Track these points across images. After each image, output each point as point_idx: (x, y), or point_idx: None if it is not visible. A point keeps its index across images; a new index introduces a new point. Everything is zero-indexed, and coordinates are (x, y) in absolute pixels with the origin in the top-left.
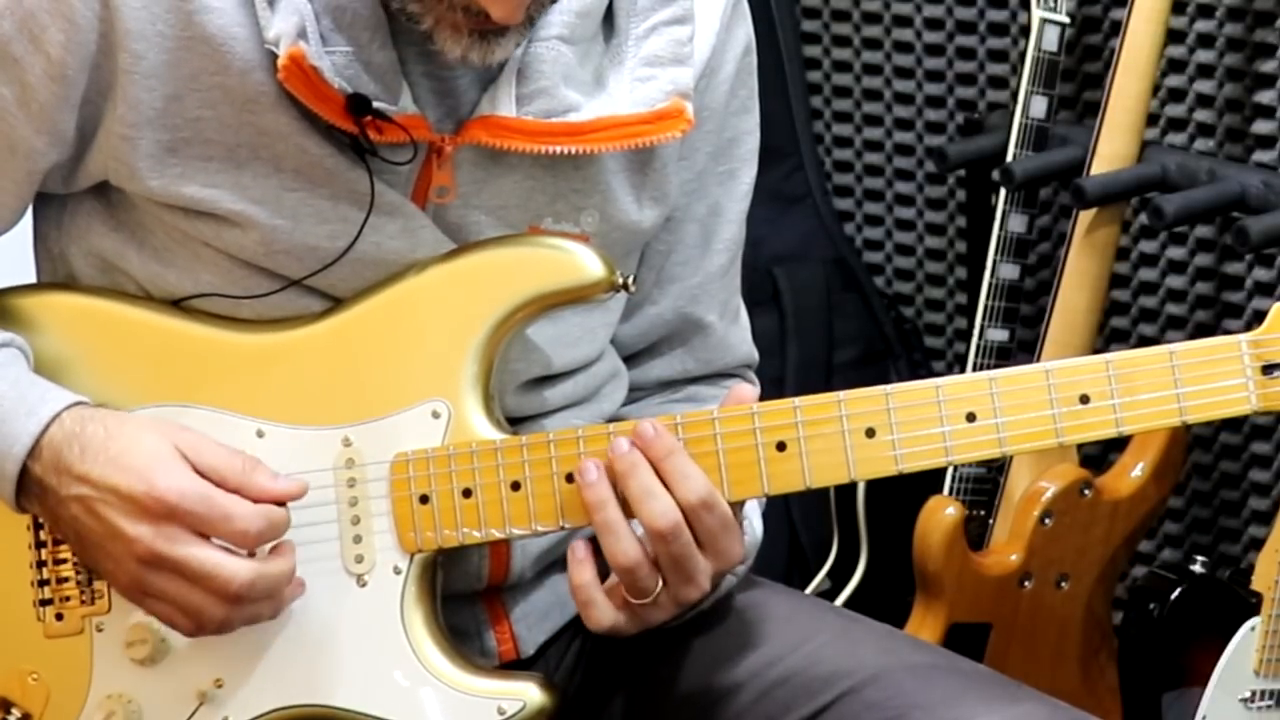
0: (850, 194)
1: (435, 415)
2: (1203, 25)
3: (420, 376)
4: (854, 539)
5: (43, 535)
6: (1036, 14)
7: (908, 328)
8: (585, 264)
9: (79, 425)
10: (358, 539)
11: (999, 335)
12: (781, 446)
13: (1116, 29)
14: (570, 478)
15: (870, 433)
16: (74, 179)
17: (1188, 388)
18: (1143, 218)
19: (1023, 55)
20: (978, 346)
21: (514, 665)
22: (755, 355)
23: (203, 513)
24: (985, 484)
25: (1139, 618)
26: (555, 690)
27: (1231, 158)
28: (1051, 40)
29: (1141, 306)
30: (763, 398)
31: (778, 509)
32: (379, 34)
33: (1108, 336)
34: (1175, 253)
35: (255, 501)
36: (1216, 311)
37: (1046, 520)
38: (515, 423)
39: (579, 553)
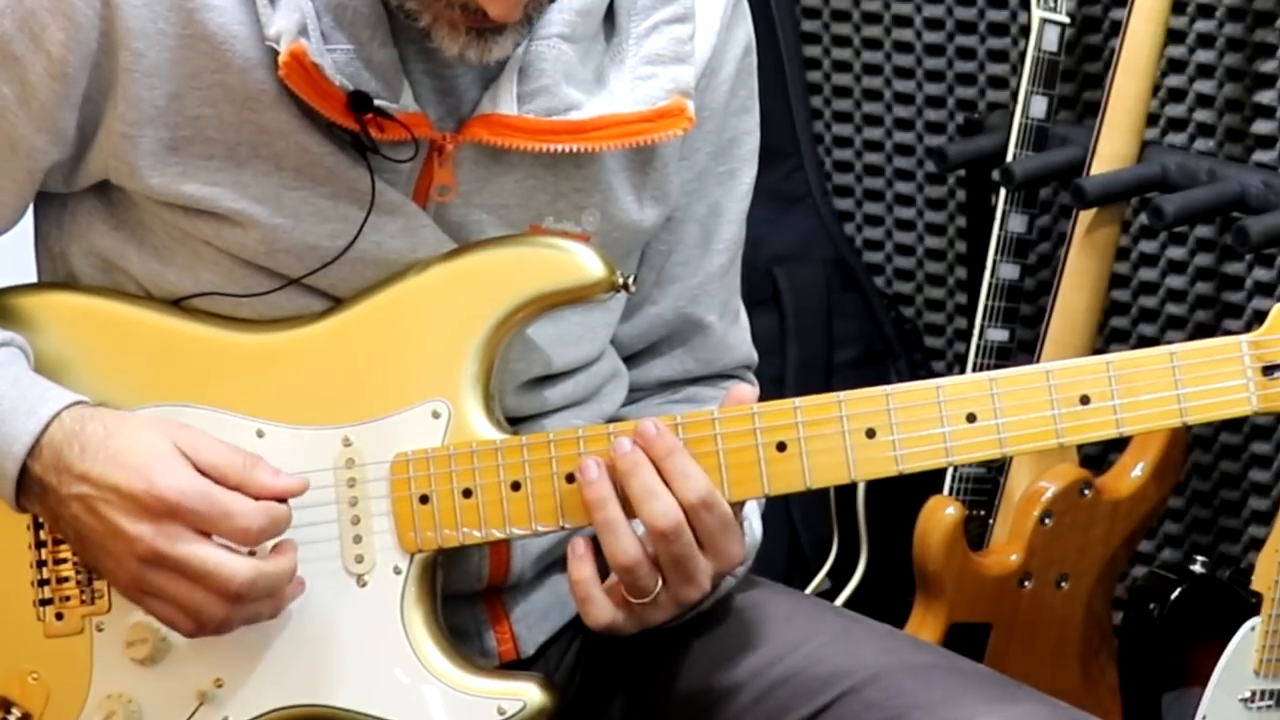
0: (850, 194)
1: (435, 415)
2: (1203, 25)
3: (420, 376)
4: (854, 539)
5: (43, 535)
6: (1036, 14)
7: (908, 328)
8: (586, 264)
9: (79, 424)
10: (358, 539)
11: (999, 335)
12: (782, 447)
13: (1116, 29)
14: (571, 478)
15: (871, 433)
16: (75, 178)
17: (1188, 388)
18: (1143, 218)
19: (1023, 55)
20: (978, 346)
21: (514, 665)
22: (755, 356)
23: (203, 511)
24: (985, 484)
25: (1139, 618)
26: (555, 690)
27: (1231, 158)
28: (1051, 40)
29: (1141, 306)
30: (763, 398)
31: (778, 509)
32: (380, 32)
33: (1108, 336)
34: (1175, 253)
35: (256, 498)
36: (1216, 311)
37: (1046, 520)
38: (515, 422)
39: (579, 549)
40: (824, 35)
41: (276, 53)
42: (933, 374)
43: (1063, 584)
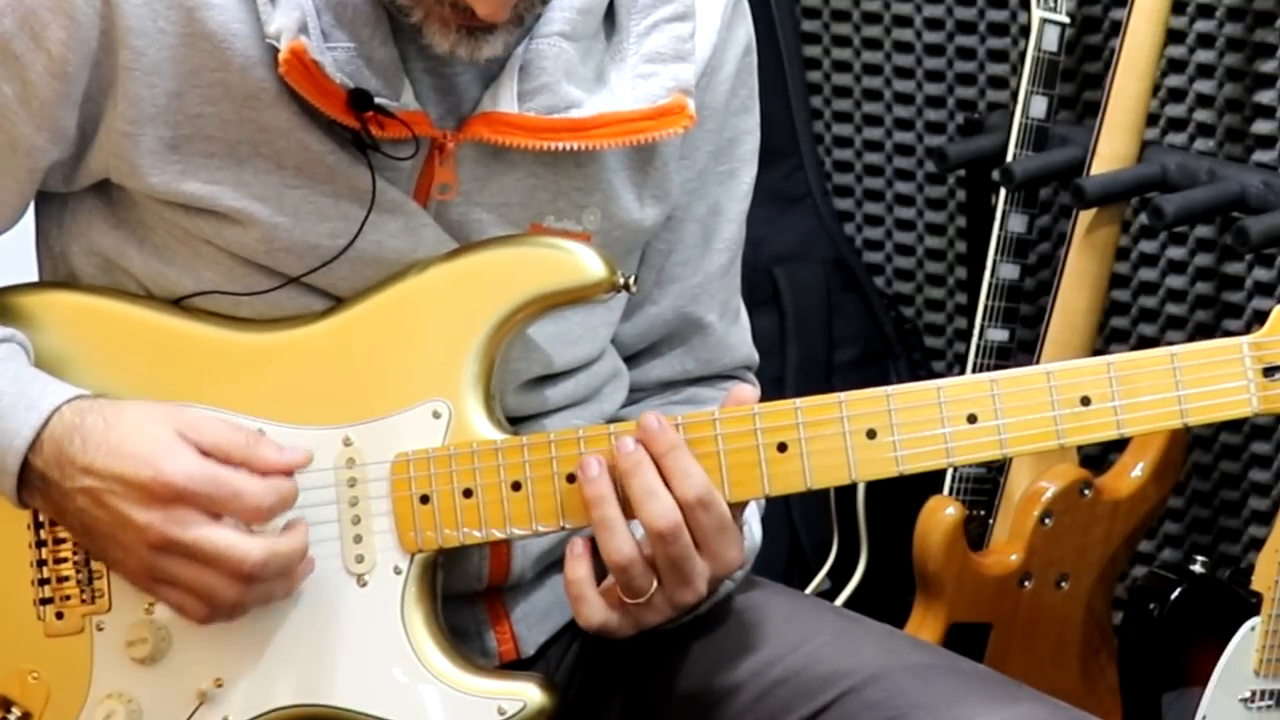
0: (850, 194)
1: (436, 415)
2: (1203, 25)
3: (421, 376)
4: (854, 539)
5: (43, 534)
6: (1036, 14)
7: (908, 328)
8: (587, 264)
9: (78, 417)
10: (358, 539)
11: (999, 335)
12: (782, 447)
13: (1116, 29)
14: (572, 478)
15: (871, 434)
16: (75, 177)
17: (1189, 390)
18: (1143, 218)
19: (1023, 55)
20: (978, 346)
21: (514, 665)
22: (755, 357)
23: (212, 493)
24: (985, 484)
25: (1139, 618)
26: (555, 690)
27: (1231, 158)
28: (1051, 40)
29: (1141, 306)
30: (763, 398)
31: (778, 509)
32: (380, 30)
33: (1108, 336)
34: (1175, 253)
35: (263, 475)
36: (1216, 311)
37: (1046, 520)
38: (516, 422)
39: (577, 548)
40: (824, 35)
41: (277, 51)
42: (933, 374)
43: (1063, 584)
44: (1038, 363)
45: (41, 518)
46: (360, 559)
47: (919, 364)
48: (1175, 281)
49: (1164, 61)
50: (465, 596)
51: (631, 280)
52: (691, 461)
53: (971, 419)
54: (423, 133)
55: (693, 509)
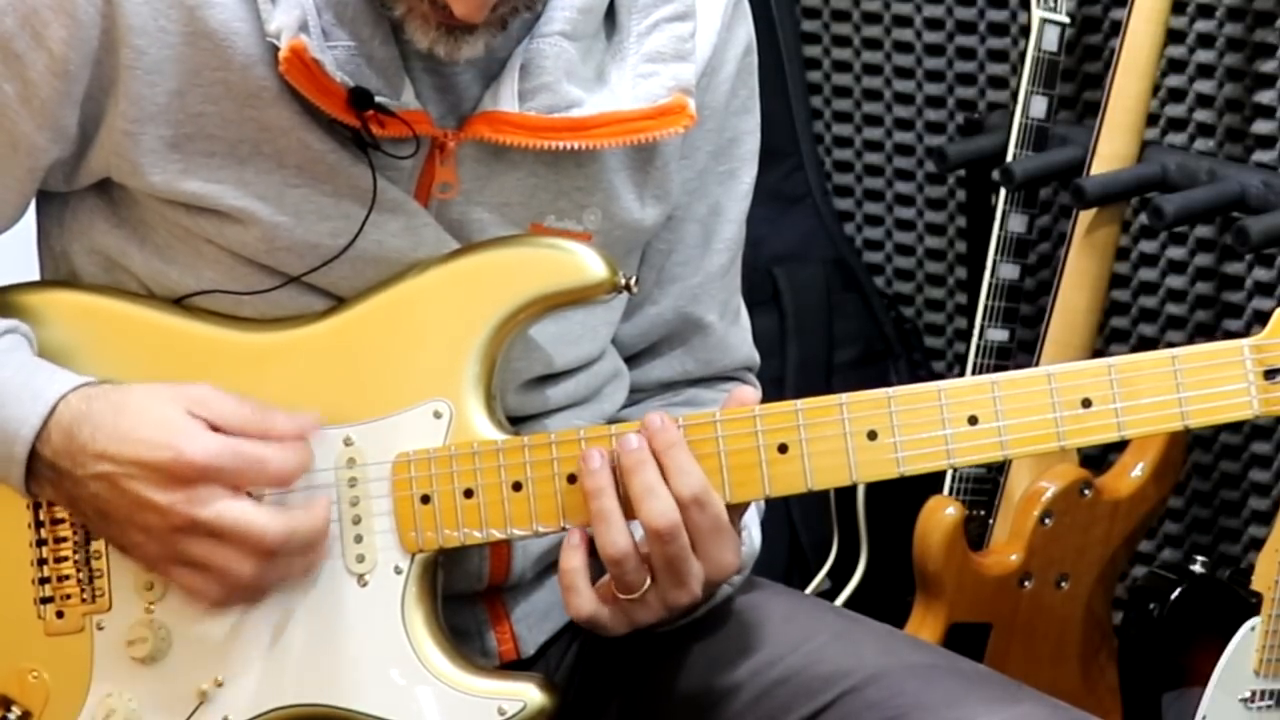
0: (850, 194)
1: (437, 415)
2: (1203, 25)
3: (422, 376)
4: (854, 539)
5: (43, 533)
6: (1036, 14)
7: (908, 328)
8: (588, 264)
9: (86, 404)
10: (359, 539)
11: (999, 335)
12: (783, 448)
13: (1116, 29)
14: (573, 478)
15: (872, 435)
16: (76, 176)
17: (1189, 392)
18: (1143, 218)
19: (1023, 55)
20: (978, 346)
21: (514, 665)
22: (756, 357)
23: (238, 466)
24: (985, 484)
25: (1139, 618)
26: (556, 690)
27: (1231, 158)
28: (1051, 40)
29: (1141, 306)
30: (763, 398)
31: (778, 509)
32: (380, 29)
33: (1108, 336)
34: (1175, 253)
35: (279, 441)
36: (1216, 311)
37: (1046, 520)
38: (517, 422)
39: (574, 539)
40: (824, 35)
41: (277, 49)
42: (933, 374)
43: (1063, 584)
44: (1038, 363)
45: (42, 516)
46: (361, 559)
47: (919, 364)
48: (1175, 281)
49: (1164, 61)
50: (465, 596)
51: (633, 280)
52: (690, 460)
53: (972, 420)
54: (423, 132)
55: (688, 507)
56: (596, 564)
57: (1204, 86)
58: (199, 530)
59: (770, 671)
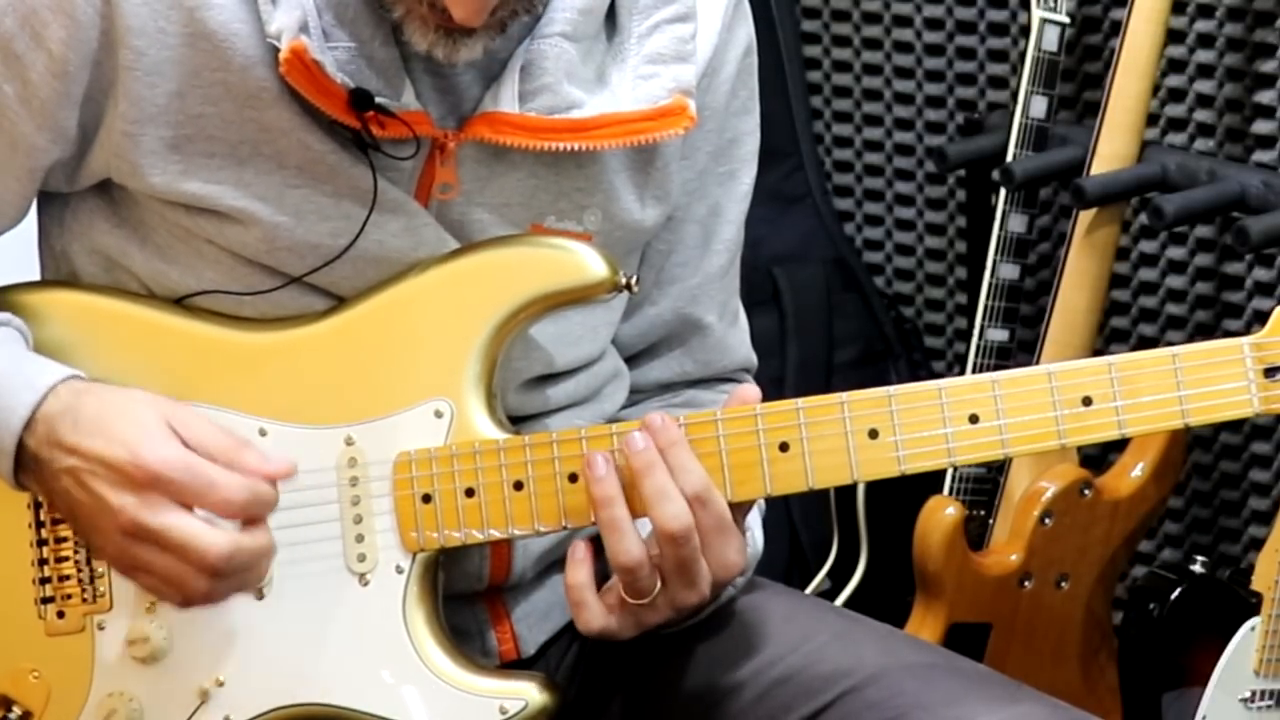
0: (850, 194)
1: (438, 415)
2: (1203, 25)
3: (423, 376)
4: (854, 539)
5: (44, 533)
6: (1036, 14)
7: (908, 328)
8: (588, 264)
9: (74, 397)
10: (360, 538)
11: (999, 335)
12: (784, 447)
13: (1116, 29)
14: (574, 478)
15: (873, 434)
16: (77, 177)
17: (1190, 390)
18: (1143, 218)
19: (1023, 55)
20: (978, 346)
21: (515, 665)
22: (754, 359)
23: (187, 481)
24: (985, 484)
25: (1139, 618)
26: (556, 690)
27: (1231, 158)
28: (1051, 40)
29: (1141, 306)
30: (763, 398)
31: (777, 509)
32: (381, 30)
33: (1108, 336)
34: (1175, 253)
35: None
36: (1216, 311)
37: (1046, 520)
38: (517, 421)
39: (579, 553)
40: (824, 35)
41: (278, 50)
42: (933, 374)
43: (1063, 584)
44: (1038, 362)
45: (43, 516)
46: (362, 558)
47: (919, 364)
48: (1175, 281)
49: (1164, 61)
50: (466, 596)
51: (633, 280)
52: (691, 458)
53: (973, 419)
54: (424, 132)
55: (691, 506)
56: (597, 566)
57: (1204, 86)
58: (145, 537)
59: (771, 671)
